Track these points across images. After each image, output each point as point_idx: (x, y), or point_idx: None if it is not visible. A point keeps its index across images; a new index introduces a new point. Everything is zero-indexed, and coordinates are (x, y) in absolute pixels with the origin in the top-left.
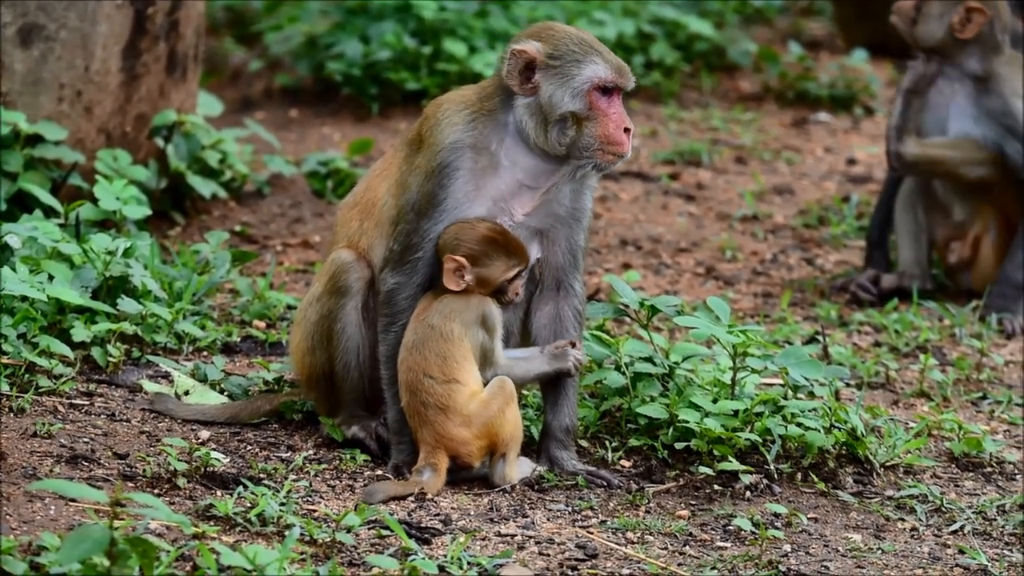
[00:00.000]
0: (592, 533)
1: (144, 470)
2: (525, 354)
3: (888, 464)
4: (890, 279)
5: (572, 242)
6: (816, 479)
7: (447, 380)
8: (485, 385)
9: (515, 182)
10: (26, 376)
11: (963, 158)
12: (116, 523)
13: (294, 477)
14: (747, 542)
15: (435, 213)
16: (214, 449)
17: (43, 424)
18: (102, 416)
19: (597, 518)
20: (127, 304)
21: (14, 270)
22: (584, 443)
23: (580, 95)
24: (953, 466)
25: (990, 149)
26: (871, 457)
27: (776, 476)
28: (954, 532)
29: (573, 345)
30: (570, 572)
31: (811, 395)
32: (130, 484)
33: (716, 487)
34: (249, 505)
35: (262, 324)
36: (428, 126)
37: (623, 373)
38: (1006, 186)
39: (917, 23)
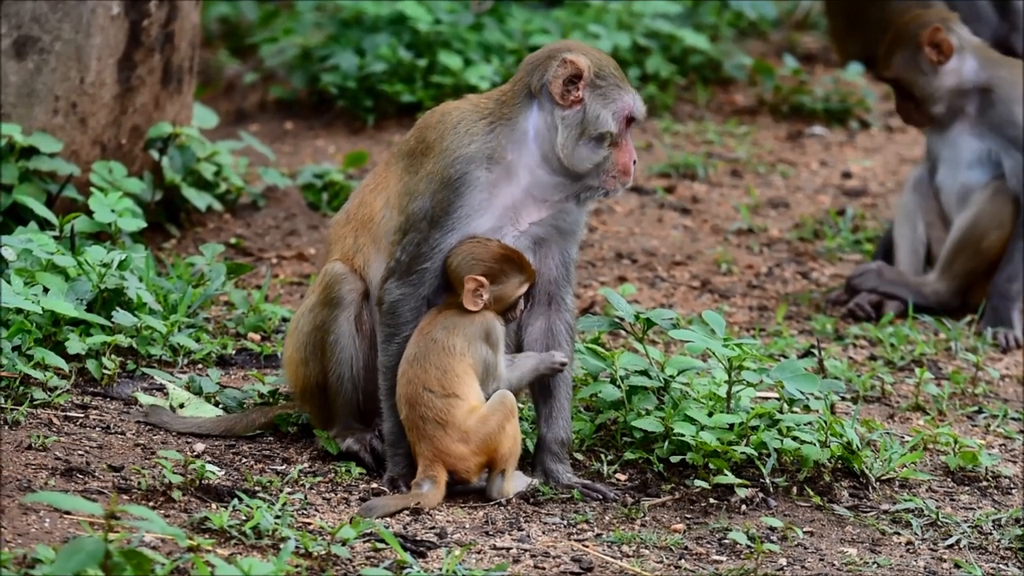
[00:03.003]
0: (587, 546)
1: (139, 483)
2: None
3: (884, 478)
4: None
5: (566, 255)
6: (812, 493)
7: (446, 394)
8: (487, 399)
9: (526, 192)
10: (21, 389)
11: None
12: (111, 536)
13: (289, 490)
14: (743, 556)
15: (448, 223)
16: (209, 462)
17: (38, 437)
18: (97, 429)
19: (592, 531)
20: (122, 316)
21: (9, 282)
22: (579, 456)
23: (618, 119)
24: (949, 480)
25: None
26: (867, 471)
27: (772, 490)
28: (950, 546)
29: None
30: None
31: (807, 409)
32: (125, 497)
33: (712, 501)
34: (244, 518)
35: (257, 337)
36: (438, 133)
37: (618, 386)
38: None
39: (923, 100)
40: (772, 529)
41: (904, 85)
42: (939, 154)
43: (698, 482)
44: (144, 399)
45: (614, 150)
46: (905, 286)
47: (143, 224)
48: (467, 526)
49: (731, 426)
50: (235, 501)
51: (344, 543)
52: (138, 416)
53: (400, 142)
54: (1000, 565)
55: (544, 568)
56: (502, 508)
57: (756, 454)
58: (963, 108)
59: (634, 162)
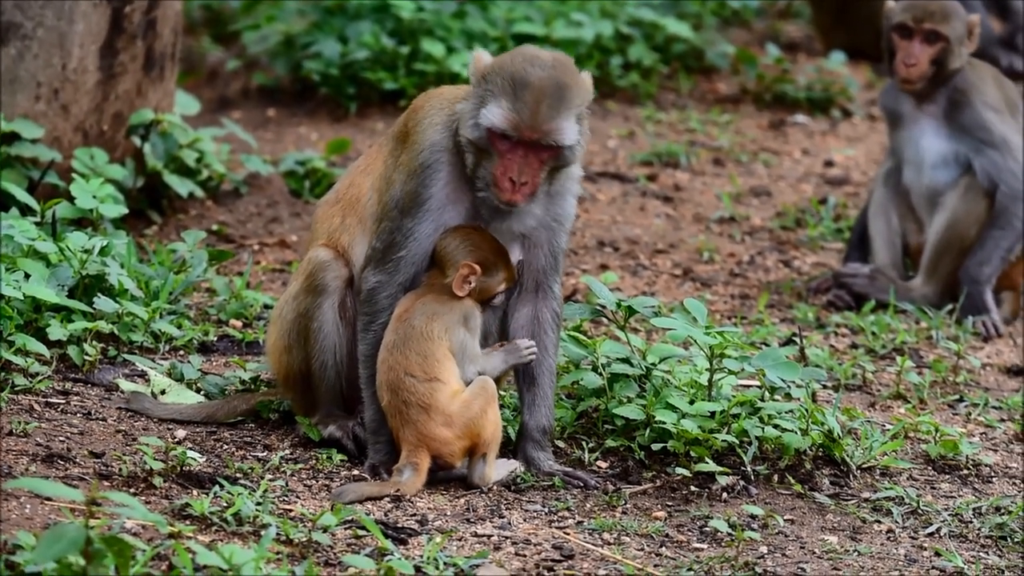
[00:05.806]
0: (568, 534)
1: (120, 469)
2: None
3: (865, 466)
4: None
5: (554, 246)
6: (793, 481)
7: (428, 378)
8: (466, 384)
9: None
10: (2, 374)
11: None
12: (92, 522)
13: (270, 477)
14: (723, 543)
15: (418, 212)
16: (190, 448)
17: (19, 423)
18: (78, 415)
19: (574, 519)
20: (103, 303)
21: None
22: (561, 444)
23: (479, 128)
24: (929, 468)
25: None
26: (848, 459)
27: (753, 478)
28: (930, 534)
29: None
30: (546, 573)
31: (788, 397)
32: (106, 483)
33: (693, 488)
34: (225, 504)
35: (239, 323)
36: (415, 120)
37: (600, 374)
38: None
39: (944, 67)
40: (753, 517)
41: (943, 48)
42: (902, 154)
43: (679, 470)
44: (125, 385)
45: (490, 160)
46: (894, 292)
47: (125, 210)
48: (448, 513)
49: (712, 414)
50: (216, 488)
51: (325, 530)
52: (119, 402)
53: (396, 122)
54: (980, 553)
55: (525, 555)
56: (483, 495)
57: (737, 442)
58: (928, 103)
59: (512, 180)
